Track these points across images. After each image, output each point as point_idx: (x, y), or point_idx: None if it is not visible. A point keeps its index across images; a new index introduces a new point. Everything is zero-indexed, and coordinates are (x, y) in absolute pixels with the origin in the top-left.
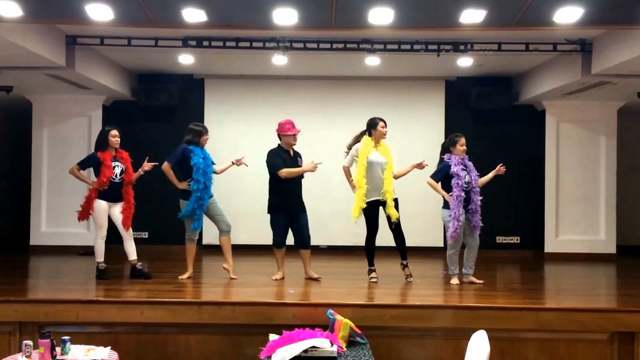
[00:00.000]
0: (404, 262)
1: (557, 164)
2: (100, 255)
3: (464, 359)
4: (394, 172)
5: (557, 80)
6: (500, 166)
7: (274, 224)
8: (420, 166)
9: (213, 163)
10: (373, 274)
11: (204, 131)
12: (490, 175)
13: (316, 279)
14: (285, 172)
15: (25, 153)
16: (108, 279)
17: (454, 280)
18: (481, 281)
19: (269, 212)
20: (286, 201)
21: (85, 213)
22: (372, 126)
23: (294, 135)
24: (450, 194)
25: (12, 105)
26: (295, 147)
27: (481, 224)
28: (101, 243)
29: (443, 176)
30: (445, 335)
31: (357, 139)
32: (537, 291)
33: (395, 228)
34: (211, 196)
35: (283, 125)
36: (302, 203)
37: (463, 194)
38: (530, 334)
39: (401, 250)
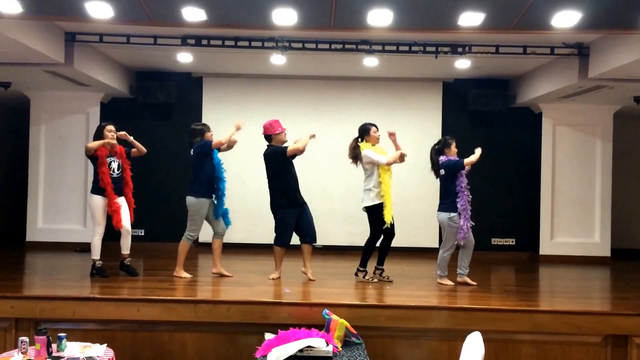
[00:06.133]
0: (381, 267)
1: (553, 167)
2: (96, 252)
3: None
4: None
5: (554, 83)
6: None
7: (283, 222)
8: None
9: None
10: (366, 275)
11: (206, 129)
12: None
13: (310, 279)
14: (291, 147)
15: (22, 149)
16: (108, 277)
17: (446, 281)
18: (474, 283)
19: (277, 210)
20: (294, 196)
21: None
22: (364, 132)
23: (285, 132)
24: (458, 196)
25: (10, 101)
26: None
27: (471, 224)
28: (98, 240)
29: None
30: (440, 336)
31: (355, 148)
32: (532, 293)
33: (390, 232)
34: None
35: (272, 125)
36: (301, 195)
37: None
38: (524, 336)
39: (382, 254)
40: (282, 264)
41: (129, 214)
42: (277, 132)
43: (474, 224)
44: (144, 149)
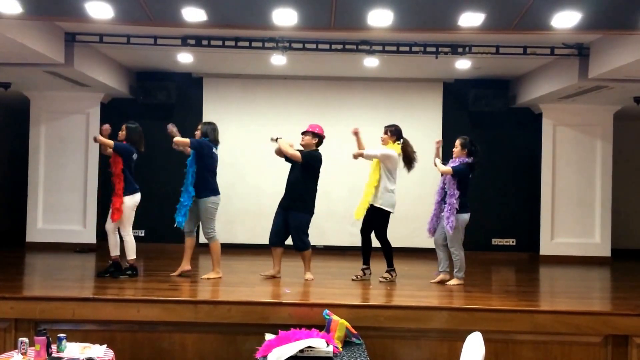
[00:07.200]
0: (389, 269)
1: (553, 167)
2: (113, 249)
3: None
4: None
5: (554, 83)
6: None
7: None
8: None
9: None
10: (361, 272)
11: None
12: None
13: (305, 279)
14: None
15: (22, 149)
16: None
17: (452, 281)
18: (435, 280)
19: None
20: (283, 196)
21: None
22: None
23: (303, 135)
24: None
25: (10, 102)
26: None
27: (447, 225)
28: (112, 237)
29: None
30: (441, 336)
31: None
32: (532, 293)
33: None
34: (194, 195)
35: None
36: (294, 201)
37: (440, 193)
38: (524, 336)
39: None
40: (280, 262)
41: (111, 212)
42: None
43: (447, 219)
44: (104, 142)
